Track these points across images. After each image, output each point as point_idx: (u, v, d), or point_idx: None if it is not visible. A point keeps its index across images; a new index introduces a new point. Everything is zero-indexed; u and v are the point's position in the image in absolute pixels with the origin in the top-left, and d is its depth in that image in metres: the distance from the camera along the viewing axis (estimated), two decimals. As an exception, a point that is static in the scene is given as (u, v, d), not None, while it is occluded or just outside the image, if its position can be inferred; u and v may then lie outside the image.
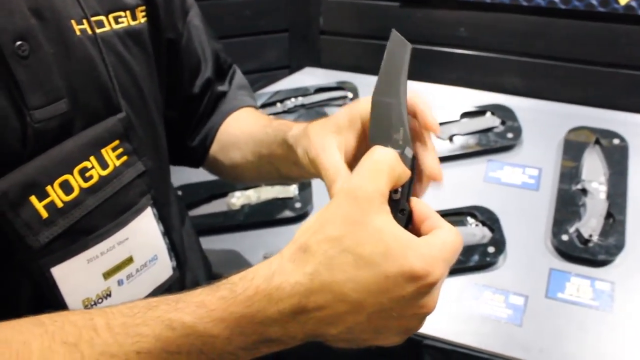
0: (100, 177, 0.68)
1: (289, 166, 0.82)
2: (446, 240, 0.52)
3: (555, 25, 1.37)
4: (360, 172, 0.53)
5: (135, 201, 0.74)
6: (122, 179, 0.71)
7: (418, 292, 0.49)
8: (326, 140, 0.68)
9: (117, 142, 0.70)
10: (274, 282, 0.50)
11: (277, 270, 0.51)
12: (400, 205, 0.56)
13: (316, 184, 1.28)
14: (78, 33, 0.67)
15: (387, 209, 0.52)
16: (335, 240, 0.49)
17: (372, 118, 0.61)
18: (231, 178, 1.03)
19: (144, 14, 0.78)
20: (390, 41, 0.61)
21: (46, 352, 0.50)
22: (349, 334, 0.52)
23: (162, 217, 0.79)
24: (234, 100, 1.00)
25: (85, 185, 0.67)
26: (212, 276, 1.04)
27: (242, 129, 0.95)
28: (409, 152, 0.57)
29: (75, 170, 0.66)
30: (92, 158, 0.67)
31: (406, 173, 0.56)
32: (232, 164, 0.96)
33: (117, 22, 0.74)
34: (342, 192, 0.52)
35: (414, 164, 0.57)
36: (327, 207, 0.53)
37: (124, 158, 0.71)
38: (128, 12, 0.76)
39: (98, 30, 0.70)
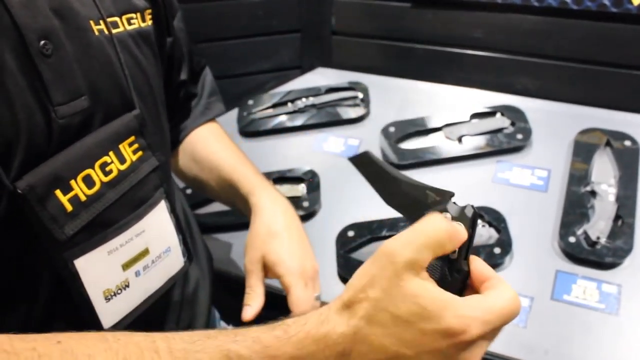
0: (119, 171, 0.71)
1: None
2: (494, 303, 0.53)
3: (567, 25, 1.36)
4: (405, 237, 0.55)
5: (150, 195, 0.77)
6: (138, 173, 0.74)
7: (455, 347, 0.51)
8: (255, 266, 0.93)
9: (132, 138, 0.73)
10: (323, 330, 0.54)
11: (325, 320, 0.55)
12: (457, 265, 0.56)
13: (324, 184, 1.29)
14: (96, 33, 0.71)
15: (425, 274, 0.54)
16: (374, 301, 0.53)
17: (401, 210, 0.62)
18: (192, 186, 1.15)
19: (150, 16, 0.82)
20: (359, 166, 0.66)
21: None
22: None
23: (173, 210, 0.82)
24: (206, 110, 1.10)
25: (105, 179, 0.69)
26: (215, 271, 1.08)
27: (208, 151, 1.06)
28: (469, 212, 0.56)
29: (97, 165, 0.68)
30: (111, 153, 0.70)
31: (460, 236, 0.56)
32: (194, 177, 1.08)
33: (129, 24, 0.77)
34: (383, 252, 0.54)
35: (474, 223, 0.56)
36: (368, 266, 0.55)
37: (140, 153, 0.74)
38: (138, 14, 0.80)
39: (114, 31, 0.73)
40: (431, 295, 0.52)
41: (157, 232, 0.79)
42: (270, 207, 0.97)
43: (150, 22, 0.82)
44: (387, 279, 0.53)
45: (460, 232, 0.55)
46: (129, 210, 0.74)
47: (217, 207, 1.29)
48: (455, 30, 1.47)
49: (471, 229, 0.56)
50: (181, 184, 1.29)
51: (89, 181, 0.67)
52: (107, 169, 0.70)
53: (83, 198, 0.66)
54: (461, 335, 0.51)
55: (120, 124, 0.72)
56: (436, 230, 0.54)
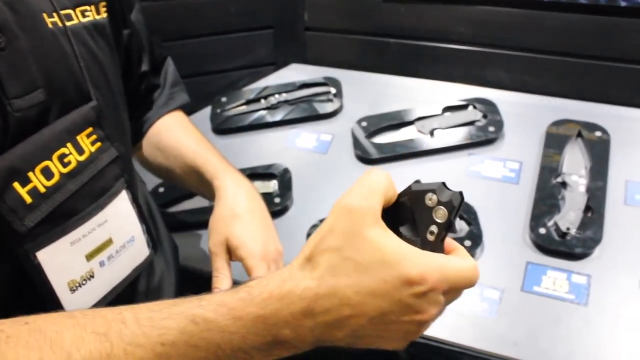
0: (78, 162, 0.72)
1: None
2: (454, 262, 0.54)
3: (539, 18, 1.36)
4: (356, 190, 0.56)
5: (111, 185, 0.78)
6: (97, 164, 0.75)
7: (414, 296, 0.52)
8: (219, 248, 0.92)
9: (90, 129, 0.74)
10: (286, 287, 0.55)
11: (287, 277, 0.56)
12: (432, 247, 0.56)
13: (296, 180, 1.28)
14: (50, 26, 0.71)
15: (382, 224, 0.55)
16: (336, 250, 0.54)
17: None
18: (158, 175, 1.15)
19: (105, 8, 0.83)
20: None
21: (78, 341, 0.53)
22: (353, 337, 0.56)
23: (135, 200, 0.84)
24: (169, 100, 1.10)
25: (64, 170, 0.70)
26: (185, 268, 1.09)
27: (172, 139, 1.06)
28: (455, 200, 0.55)
29: (54, 156, 0.69)
30: (69, 144, 0.71)
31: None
32: (159, 166, 1.08)
33: (84, 16, 0.78)
34: (339, 208, 0.56)
35: (457, 210, 0.56)
36: (326, 221, 0.56)
37: (98, 144, 0.75)
38: (92, 7, 0.80)
39: (68, 23, 0.74)
40: (392, 244, 0.53)
41: (119, 222, 0.80)
42: (234, 190, 0.96)
43: (105, 15, 0.82)
44: (347, 228, 0.54)
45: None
46: (89, 200, 0.74)
47: (187, 205, 1.29)
48: (428, 23, 1.47)
49: (452, 215, 0.56)
50: (151, 184, 1.29)
51: (47, 173, 0.68)
52: (66, 160, 0.70)
53: (42, 190, 0.67)
54: (419, 284, 0.52)
55: (77, 116, 0.72)
56: (385, 182, 0.57)
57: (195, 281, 1.11)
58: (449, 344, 0.97)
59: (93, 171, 0.74)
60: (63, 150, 0.70)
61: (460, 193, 0.56)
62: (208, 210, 0.98)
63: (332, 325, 0.54)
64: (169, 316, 0.55)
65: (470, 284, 0.55)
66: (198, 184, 1.02)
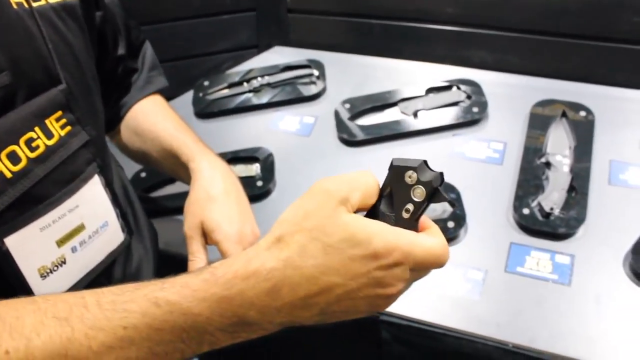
0: (47, 146, 0.70)
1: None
2: (423, 239, 0.54)
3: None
4: (338, 177, 0.56)
5: (82, 169, 0.76)
6: (68, 148, 0.73)
7: (379, 269, 0.53)
8: (194, 231, 0.91)
9: (59, 112, 0.72)
10: (251, 267, 0.54)
11: (253, 257, 0.55)
12: (406, 224, 0.56)
13: (279, 163, 1.27)
14: (15, 7, 0.69)
15: (355, 216, 0.55)
16: (306, 231, 0.53)
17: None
18: (136, 160, 1.13)
19: None
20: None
21: (38, 326, 0.53)
22: (321, 315, 0.55)
23: (109, 184, 0.82)
24: (147, 84, 1.09)
25: (32, 155, 0.68)
26: (166, 253, 1.08)
27: (149, 123, 1.04)
28: (429, 176, 0.55)
29: (21, 141, 0.67)
30: (36, 128, 0.69)
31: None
32: (137, 150, 1.07)
33: None
34: (316, 189, 0.55)
35: (435, 191, 0.55)
36: (301, 200, 0.56)
37: (68, 128, 0.73)
38: None
39: (34, 4, 0.71)
40: (362, 224, 0.53)
41: (92, 207, 0.78)
42: (209, 172, 0.95)
43: None
44: (320, 210, 0.53)
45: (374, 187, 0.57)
46: (60, 185, 0.73)
47: (169, 190, 1.27)
48: (412, 4, 1.45)
49: (430, 195, 0.55)
50: (133, 169, 1.27)
51: (14, 157, 0.66)
52: (33, 144, 0.68)
53: (8, 175, 0.66)
54: (385, 257, 0.52)
55: (45, 99, 0.70)
56: (368, 182, 0.56)
57: (175, 266, 1.09)
58: (432, 325, 0.96)
59: (63, 156, 0.72)
60: (30, 134, 0.68)
61: (441, 174, 0.55)
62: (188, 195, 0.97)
63: (299, 306, 0.54)
64: (131, 299, 0.55)
65: (438, 263, 0.54)
66: (175, 167, 1.01)
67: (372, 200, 0.57)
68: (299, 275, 0.53)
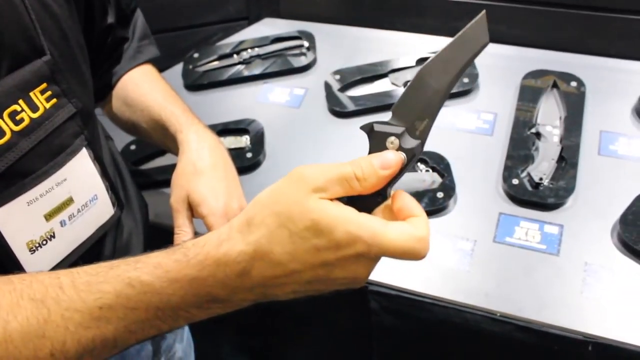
0: (32, 119, 0.69)
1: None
2: (390, 231, 0.52)
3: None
4: (322, 167, 0.54)
5: (69, 142, 0.75)
6: (54, 121, 0.72)
7: (342, 259, 0.53)
8: (180, 205, 0.92)
9: (44, 85, 0.71)
10: (222, 249, 0.54)
11: (225, 239, 0.55)
12: (381, 191, 0.56)
13: (269, 135, 1.26)
14: None
15: (323, 203, 0.53)
16: (275, 216, 0.53)
17: (410, 90, 0.57)
18: (126, 130, 1.11)
19: None
20: (474, 24, 0.56)
21: (14, 308, 0.54)
22: (294, 293, 0.57)
23: (98, 157, 0.81)
24: (137, 54, 1.07)
25: (16, 128, 0.67)
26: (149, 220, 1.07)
27: (139, 93, 1.03)
28: (417, 150, 0.55)
29: (5, 114, 0.66)
30: (20, 101, 0.68)
31: (371, 184, 0.54)
32: (126, 120, 1.05)
33: None
34: (292, 173, 0.55)
35: (412, 157, 0.55)
36: (277, 184, 0.55)
37: (54, 100, 0.72)
38: None
39: None
40: (326, 212, 0.52)
41: (80, 180, 0.77)
42: (197, 145, 0.94)
43: None
44: (293, 197, 0.53)
45: (373, 180, 0.54)
46: (46, 159, 0.72)
47: (160, 162, 1.27)
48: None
49: (408, 162, 0.55)
50: (123, 141, 1.27)
51: None
52: (18, 117, 0.67)
53: None
54: (347, 248, 0.52)
55: (29, 71, 0.69)
56: (351, 171, 0.54)
57: (165, 238, 1.09)
58: (421, 295, 0.97)
59: (49, 128, 0.71)
60: (14, 107, 0.67)
61: (422, 144, 0.55)
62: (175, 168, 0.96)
63: (270, 286, 0.55)
64: (105, 280, 0.56)
65: (408, 256, 0.53)
66: (164, 138, 1.00)
67: (357, 190, 0.55)
68: (267, 259, 0.53)
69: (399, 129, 0.55)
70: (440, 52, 0.57)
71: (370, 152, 0.57)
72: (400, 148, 0.55)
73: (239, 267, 0.54)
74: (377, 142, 0.56)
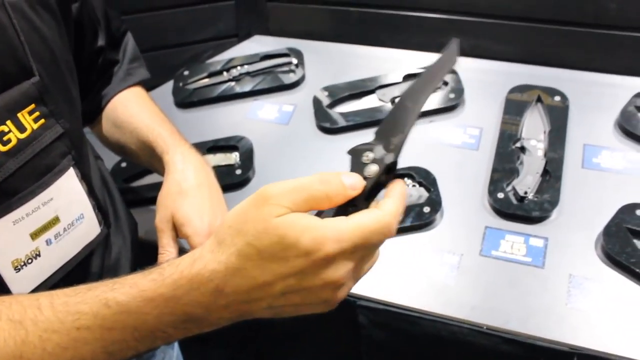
0: (19, 140, 0.70)
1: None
2: (351, 222, 0.53)
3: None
4: (287, 185, 0.54)
5: (56, 162, 0.76)
6: (41, 142, 0.73)
7: (313, 265, 0.53)
8: (165, 225, 0.91)
9: (32, 105, 0.72)
10: (195, 268, 0.55)
11: (197, 258, 0.56)
12: (354, 202, 0.57)
13: (259, 151, 1.28)
14: None
15: (286, 217, 0.54)
16: (242, 235, 0.53)
17: (388, 115, 0.60)
18: (115, 152, 1.12)
19: None
20: (448, 50, 0.60)
21: None
22: (271, 309, 0.56)
23: (85, 177, 0.82)
24: (127, 76, 1.08)
25: (3, 149, 0.68)
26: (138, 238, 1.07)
27: (128, 114, 1.04)
28: (388, 159, 0.56)
29: None
30: (8, 122, 0.69)
31: (340, 197, 0.55)
32: (116, 142, 1.06)
33: None
34: (260, 193, 0.55)
35: (389, 171, 0.57)
36: (243, 204, 0.56)
37: (42, 121, 0.73)
38: None
39: None
40: (291, 225, 0.52)
41: (67, 199, 0.78)
42: (182, 165, 0.95)
43: None
44: (259, 216, 0.53)
45: (341, 193, 0.55)
46: (33, 179, 0.73)
47: (150, 179, 1.28)
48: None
49: (383, 172, 0.56)
50: (114, 159, 1.28)
51: None
52: (5, 138, 0.68)
53: None
54: (316, 253, 0.52)
55: (17, 92, 0.70)
56: (318, 189, 0.54)
57: (154, 255, 1.10)
58: (408, 309, 0.98)
59: (36, 149, 0.72)
60: (2, 128, 0.68)
61: (395, 156, 0.57)
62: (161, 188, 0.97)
63: (246, 302, 0.55)
64: (82, 300, 0.56)
65: (377, 236, 0.54)
66: (151, 159, 1.01)
67: (325, 205, 0.55)
68: (239, 276, 0.54)
69: (375, 144, 0.57)
70: (418, 78, 0.60)
71: (351, 170, 0.58)
72: (374, 160, 0.57)
73: (212, 284, 0.54)
74: (355, 159, 0.58)
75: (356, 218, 0.54)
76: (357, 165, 0.57)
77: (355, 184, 0.56)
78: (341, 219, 0.54)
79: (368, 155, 0.57)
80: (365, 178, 0.56)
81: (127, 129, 1.03)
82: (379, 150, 0.57)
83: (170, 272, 0.56)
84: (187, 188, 0.92)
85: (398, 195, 0.57)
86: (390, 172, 0.57)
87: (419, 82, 0.59)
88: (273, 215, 0.52)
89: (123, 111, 1.05)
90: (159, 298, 0.55)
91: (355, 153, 0.58)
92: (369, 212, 0.55)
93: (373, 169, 0.56)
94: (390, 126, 0.59)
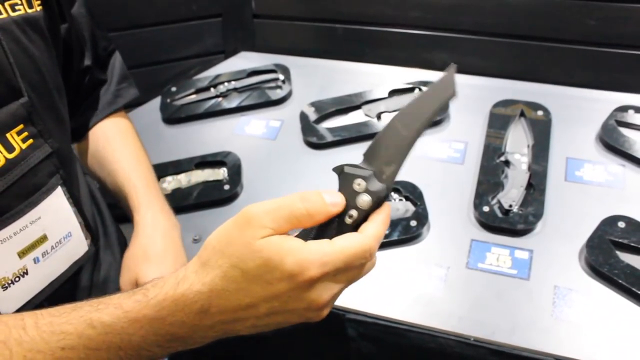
0: (7, 160, 0.70)
1: None
2: (334, 245, 0.54)
3: (482, 0, 1.38)
4: (269, 205, 0.55)
5: (44, 182, 0.76)
6: (29, 161, 0.74)
7: (297, 289, 0.54)
8: (129, 287, 0.89)
9: (21, 126, 0.73)
10: (179, 290, 0.55)
11: (182, 279, 0.56)
12: (342, 228, 0.58)
13: (246, 167, 1.29)
14: None
15: (269, 240, 0.54)
16: (226, 257, 0.54)
17: (381, 136, 0.59)
18: (93, 179, 1.10)
19: (39, 2, 0.80)
20: (444, 77, 0.59)
21: None
22: (255, 327, 0.58)
23: (73, 196, 0.82)
24: (116, 98, 1.08)
25: None
26: None
27: (110, 150, 1.03)
28: (382, 192, 0.57)
29: None
30: None
31: (320, 215, 0.56)
32: (97, 176, 1.06)
33: (13, 10, 0.75)
34: (243, 214, 0.55)
35: (381, 201, 0.58)
36: (225, 225, 0.56)
37: (30, 141, 0.74)
38: (24, 0, 0.77)
39: None
40: (275, 248, 0.53)
41: (55, 218, 0.79)
42: (150, 229, 0.95)
43: (39, 8, 0.80)
44: (242, 238, 0.54)
45: (322, 210, 0.56)
46: (21, 198, 0.73)
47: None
48: (374, 9, 1.48)
49: (376, 205, 0.57)
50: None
51: None
52: None
53: None
54: (300, 276, 0.53)
55: (6, 113, 0.71)
56: (299, 207, 0.55)
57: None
58: (397, 321, 0.99)
59: (24, 169, 0.73)
60: None
61: (387, 188, 0.57)
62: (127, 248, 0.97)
63: (230, 322, 0.56)
64: (67, 321, 0.57)
65: (358, 260, 0.55)
66: (125, 206, 1.01)
67: (306, 224, 0.56)
68: (224, 297, 0.54)
69: (367, 172, 0.57)
70: (412, 102, 0.59)
71: (339, 191, 0.59)
72: (366, 190, 0.57)
73: (196, 305, 0.55)
74: (345, 183, 0.58)
75: (340, 242, 0.55)
76: (348, 191, 0.58)
77: (336, 201, 0.57)
78: (324, 242, 0.55)
79: (360, 184, 0.57)
80: (357, 209, 0.57)
81: (106, 168, 1.02)
82: (372, 181, 0.57)
83: (154, 294, 0.56)
84: (152, 255, 0.92)
85: (381, 220, 0.58)
86: (381, 204, 0.58)
87: (412, 106, 0.59)
88: (257, 237, 0.53)
89: (105, 146, 1.04)
90: (143, 319, 0.56)
91: (346, 177, 0.58)
92: (351, 235, 0.56)
93: (366, 200, 0.57)
94: (382, 151, 0.58)
